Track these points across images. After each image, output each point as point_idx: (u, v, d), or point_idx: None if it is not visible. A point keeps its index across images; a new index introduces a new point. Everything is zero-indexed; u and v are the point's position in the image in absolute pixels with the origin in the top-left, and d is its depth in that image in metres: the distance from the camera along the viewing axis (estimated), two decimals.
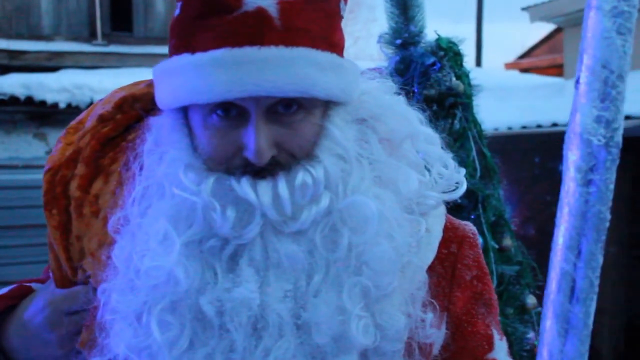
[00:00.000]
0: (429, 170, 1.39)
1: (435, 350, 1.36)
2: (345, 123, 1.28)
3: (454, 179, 1.41)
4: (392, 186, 1.31)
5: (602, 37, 0.84)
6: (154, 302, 1.22)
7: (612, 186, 0.90)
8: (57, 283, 1.45)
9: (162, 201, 1.27)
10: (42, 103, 9.55)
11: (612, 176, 0.89)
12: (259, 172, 1.20)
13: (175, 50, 1.23)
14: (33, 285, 1.53)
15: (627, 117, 6.70)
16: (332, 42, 1.24)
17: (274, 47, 1.15)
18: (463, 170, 1.43)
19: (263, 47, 1.15)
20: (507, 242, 3.40)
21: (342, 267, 1.22)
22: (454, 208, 3.23)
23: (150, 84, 1.38)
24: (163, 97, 1.27)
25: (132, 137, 1.39)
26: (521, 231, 6.14)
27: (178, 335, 1.21)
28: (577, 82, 0.88)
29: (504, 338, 1.45)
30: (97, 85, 9.60)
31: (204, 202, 1.21)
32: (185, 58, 1.20)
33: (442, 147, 1.42)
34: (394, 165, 1.32)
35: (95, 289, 1.33)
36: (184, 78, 1.20)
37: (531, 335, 3.32)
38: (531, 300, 3.37)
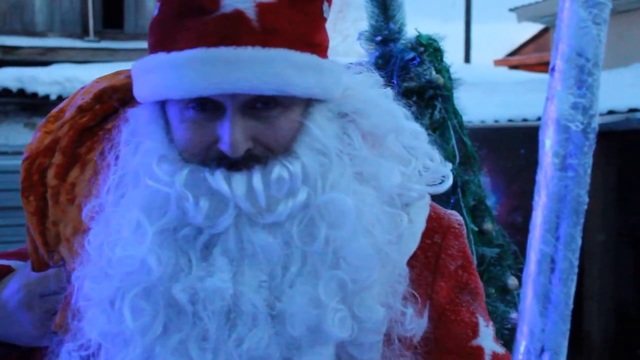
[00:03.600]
0: (414, 163, 1.39)
1: (417, 340, 1.36)
2: (326, 120, 1.29)
3: (440, 172, 1.41)
4: (374, 182, 1.32)
5: (578, 27, 0.86)
6: (127, 288, 1.24)
7: (589, 170, 0.91)
8: (34, 266, 1.47)
9: (136, 190, 1.28)
10: (34, 95, 9.73)
11: (590, 160, 0.91)
12: (234, 164, 1.21)
13: (153, 49, 1.25)
14: (12, 264, 1.55)
15: (611, 112, 6.80)
16: (313, 43, 1.25)
17: (250, 48, 1.17)
18: (450, 165, 1.43)
19: (239, 48, 1.16)
20: (488, 225, 3.45)
21: (318, 260, 1.23)
22: None
23: (130, 75, 1.39)
24: (140, 92, 1.29)
25: (110, 127, 1.40)
26: (509, 219, 6.20)
27: (151, 321, 1.22)
28: (552, 69, 0.90)
29: (491, 323, 1.45)
30: (87, 78, 9.61)
31: (176, 193, 1.22)
32: (161, 57, 1.22)
33: (428, 143, 1.42)
34: (376, 161, 1.33)
35: (69, 274, 1.35)
36: (160, 75, 1.21)
37: (514, 315, 3.38)
38: (512, 281, 3.45)
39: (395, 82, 3.32)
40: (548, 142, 0.92)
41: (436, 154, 1.42)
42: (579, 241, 0.94)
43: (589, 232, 7.12)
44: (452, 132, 3.47)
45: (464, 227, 1.47)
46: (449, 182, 1.42)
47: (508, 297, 3.46)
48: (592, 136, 0.90)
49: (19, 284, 1.46)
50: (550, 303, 0.96)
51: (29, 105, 9.86)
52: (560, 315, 0.97)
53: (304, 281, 1.23)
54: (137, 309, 1.23)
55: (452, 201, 3.38)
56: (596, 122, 0.90)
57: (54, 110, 1.50)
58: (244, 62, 1.16)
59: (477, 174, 3.54)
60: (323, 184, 1.25)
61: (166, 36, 1.22)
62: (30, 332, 1.44)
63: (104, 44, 13.09)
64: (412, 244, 1.37)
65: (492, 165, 4.03)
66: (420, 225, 1.39)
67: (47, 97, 9.71)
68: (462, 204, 3.40)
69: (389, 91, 1.43)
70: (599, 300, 7.17)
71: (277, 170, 1.22)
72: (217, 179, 1.20)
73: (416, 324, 1.32)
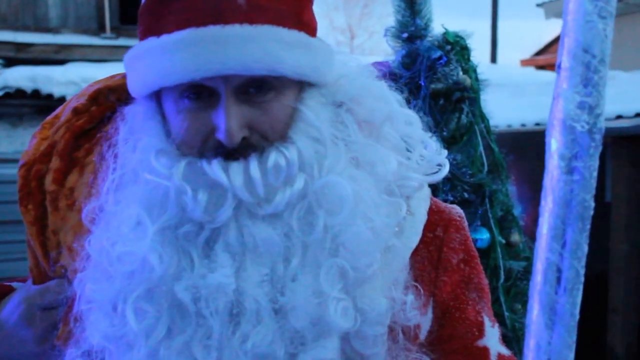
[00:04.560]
0: (411, 152, 1.38)
1: (422, 336, 1.35)
2: (319, 105, 1.28)
3: (436, 160, 1.40)
4: (369, 167, 1.30)
5: (584, 21, 0.83)
6: (129, 290, 1.22)
7: (595, 173, 0.88)
8: (35, 280, 1.46)
9: (135, 187, 1.26)
10: (49, 96, 9.52)
11: (596, 163, 0.88)
12: (231, 153, 1.20)
13: (143, 36, 1.24)
14: (14, 284, 1.54)
15: (638, 115, 6.71)
16: (301, 21, 1.24)
17: (238, 25, 1.15)
18: (445, 152, 1.42)
19: (227, 26, 1.15)
20: (515, 237, 3.39)
21: (319, 249, 1.21)
22: (461, 202, 3.25)
23: (125, 75, 1.38)
24: (134, 84, 1.28)
25: (107, 128, 1.39)
26: (535, 228, 6.10)
27: (155, 323, 1.21)
28: (559, 67, 0.86)
29: (496, 325, 1.43)
30: None
31: (175, 186, 1.21)
32: (151, 42, 1.20)
33: (422, 129, 1.41)
34: (372, 146, 1.32)
35: (71, 282, 1.33)
36: (151, 61, 1.20)
37: None
38: None
39: (423, 84, 3.29)
40: (554, 144, 0.89)
41: (431, 141, 1.42)
42: (585, 248, 0.91)
43: (614, 242, 7.04)
44: (479, 138, 3.42)
45: (465, 220, 1.46)
46: (445, 169, 1.40)
47: None
48: (598, 137, 0.86)
49: (18, 299, 1.45)
50: (556, 315, 0.93)
51: (45, 107, 9.70)
52: (565, 327, 0.94)
53: (306, 273, 1.22)
54: (140, 311, 1.22)
55: (479, 212, 3.33)
56: (602, 122, 0.86)
57: (49, 117, 1.50)
58: (232, 41, 1.16)
59: (505, 183, 3.50)
60: (319, 170, 1.25)
61: (155, 21, 1.22)
62: (32, 349, 1.43)
63: (121, 41, 12.88)
64: (414, 237, 1.35)
65: (519, 172, 3.96)
66: (422, 217, 1.38)
67: (63, 98, 9.47)
68: (490, 215, 3.35)
69: (384, 82, 1.41)
70: (623, 313, 7.10)
71: (274, 157, 1.21)
72: (215, 169, 1.20)
73: (418, 314, 1.31)
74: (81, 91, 1.48)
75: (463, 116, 3.40)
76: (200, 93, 1.20)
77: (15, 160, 8.23)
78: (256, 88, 1.21)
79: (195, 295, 1.20)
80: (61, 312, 1.37)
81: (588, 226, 0.89)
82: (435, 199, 1.44)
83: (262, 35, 1.17)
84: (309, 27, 1.27)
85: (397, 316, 1.28)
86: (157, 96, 1.28)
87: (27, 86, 9.53)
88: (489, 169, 3.42)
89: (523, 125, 7.97)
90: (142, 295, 1.22)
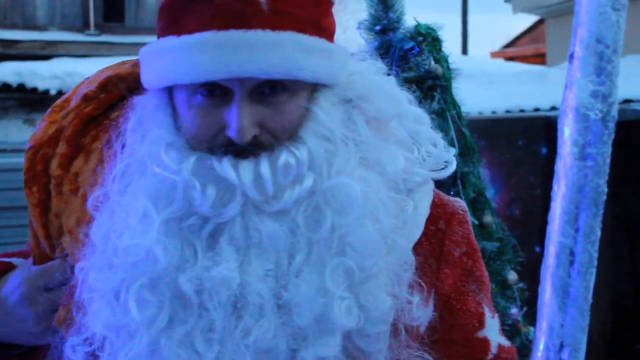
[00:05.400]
0: (417, 149, 1.38)
1: (422, 330, 1.34)
2: (331, 105, 1.28)
3: (443, 157, 1.40)
4: (378, 167, 1.31)
5: (597, 13, 0.84)
6: (133, 279, 1.22)
7: (608, 160, 0.90)
8: (36, 260, 1.45)
9: (142, 179, 1.27)
10: (34, 90, 9.80)
11: (609, 150, 0.90)
12: (241, 152, 1.20)
13: (162, 33, 1.24)
14: (14, 260, 1.52)
15: (626, 101, 6.80)
16: (321, 27, 1.25)
17: (260, 31, 1.16)
18: (453, 150, 1.43)
19: (249, 31, 1.16)
20: (488, 219, 3.44)
21: (324, 247, 1.22)
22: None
23: (135, 64, 1.39)
24: (148, 78, 1.28)
25: (115, 116, 1.39)
26: (507, 212, 6.19)
27: (157, 313, 1.21)
28: (572, 56, 0.88)
29: (496, 315, 1.44)
30: (88, 72, 9.75)
31: (184, 181, 1.21)
32: (171, 40, 1.21)
33: (431, 127, 1.41)
34: (381, 146, 1.32)
35: (72, 267, 1.33)
36: (169, 59, 1.21)
37: (514, 310, 3.37)
38: (512, 276, 3.44)
39: (395, 72, 3.32)
40: (567, 131, 0.90)
41: (439, 139, 1.42)
42: (599, 233, 0.93)
43: None
44: (450, 123, 3.46)
45: (468, 213, 1.46)
46: (452, 167, 1.41)
47: (508, 292, 3.45)
48: (612, 125, 0.89)
49: (20, 278, 1.43)
50: (569, 297, 0.95)
51: (29, 100, 10.05)
52: (579, 310, 0.95)
53: (311, 270, 1.22)
54: (142, 300, 1.22)
55: (452, 193, 3.37)
56: (615, 110, 0.88)
57: (59, 100, 1.49)
58: (254, 45, 1.16)
59: (477, 166, 3.54)
60: (329, 170, 1.25)
61: (177, 19, 1.22)
62: (31, 329, 1.42)
63: (104, 38, 13.44)
64: (416, 230, 1.35)
65: (490, 157, 4.01)
66: (424, 211, 1.37)
67: (46, 92, 9.82)
68: (462, 196, 3.39)
69: (392, 78, 1.42)
70: (595, 294, 7.17)
71: (284, 157, 1.21)
72: (225, 167, 1.20)
73: (422, 312, 1.31)
74: (92, 76, 1.48)
75: (435, 103, 3.44)
76: (214, 90, 1.21)
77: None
78: (271, 89, 1.21)
79: (198, 288, 1.20)
80: (62, 295, 1.37)
81: (601, 211, 0.91)
82: (438, 191, 1.45)
83: (283, 42, 1.18)
84: (329, 32, 1.28)
85: (400, 314, 1.28)
86: (168, 88, 1.28)
87: (13, 80, 9.85)
88: (460, 152, 3.46)
89: (494, 112, 8.05)
90: (145, 285, 1.22)
